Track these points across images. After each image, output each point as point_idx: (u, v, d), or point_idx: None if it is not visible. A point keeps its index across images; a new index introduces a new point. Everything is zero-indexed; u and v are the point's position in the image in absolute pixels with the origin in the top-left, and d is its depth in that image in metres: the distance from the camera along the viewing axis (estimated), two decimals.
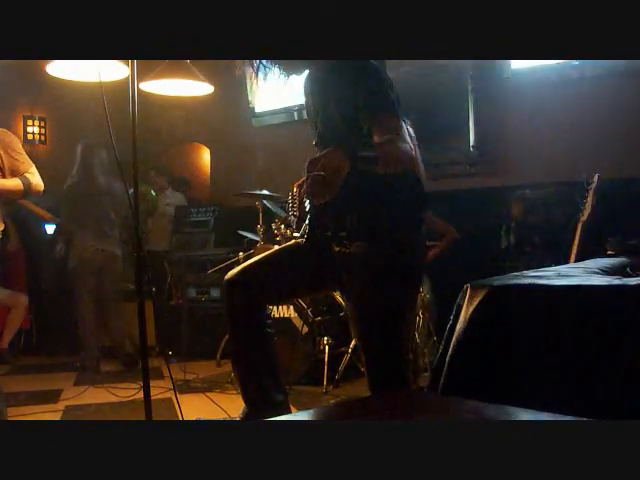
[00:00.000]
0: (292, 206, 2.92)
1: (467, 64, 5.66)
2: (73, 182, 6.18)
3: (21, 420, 4.25)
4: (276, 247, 3.10)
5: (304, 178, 2.31)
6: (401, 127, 2.48)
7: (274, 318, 5.00)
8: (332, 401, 4.66)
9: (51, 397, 5.12)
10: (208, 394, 4.97)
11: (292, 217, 2.92)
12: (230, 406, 4.36)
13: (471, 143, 5.77)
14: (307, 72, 2.86)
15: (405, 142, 2.44)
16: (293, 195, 2.91)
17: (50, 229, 7.10)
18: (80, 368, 6.16)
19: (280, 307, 5.12)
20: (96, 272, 6.26)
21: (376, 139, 2.45)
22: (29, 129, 7.80)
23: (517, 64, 5.57)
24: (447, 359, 2.34)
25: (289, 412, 2.93)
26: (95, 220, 6.16)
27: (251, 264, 2.86)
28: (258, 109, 7.50)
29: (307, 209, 2.80)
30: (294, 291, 3.16)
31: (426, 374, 4.77)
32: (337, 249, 2.68)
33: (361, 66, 2.57)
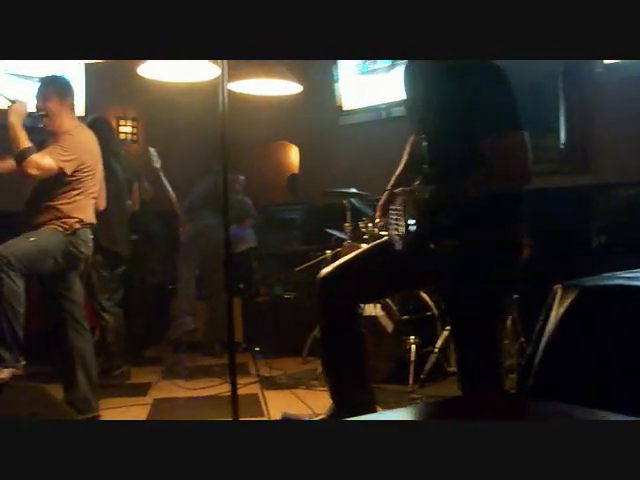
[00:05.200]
0: (397, 221, 2.79)
1: (558, 61, 5.54)
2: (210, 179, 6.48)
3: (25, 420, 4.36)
4: (368, 245, 3.05)
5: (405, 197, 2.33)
6: (525, 144, 2.46)
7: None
8: (418, 401, 4.63)
9: (141, 390, 5.24)
10: (294, 391, 5.01)
11: (396, 236, 2.78)
12: (316, 403, 4.37)
13: (561, 141, 5.65)
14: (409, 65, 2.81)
15: (528, 158, 2.42)
16: (397, 210, 2.81)
17: None
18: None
19: (367, 305, 5.11)
20: (206, 250, 6.45)
21: (494, 159, 2.43)
22: (122, 129, 7.98)
23: None
24: (536, 361, 2.31)
25: (375, 411, 2.93)
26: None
27: (345, 262, 2.84)
28: (346, 107, 7.50)
29: (409, 226, 2.72)
30: (387, 289, 3.14)
31: (512, 375, 4.71)
32: (433, 247, 2.65)
33: (486, 68, 2.52)
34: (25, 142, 3.79)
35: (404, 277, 2.85)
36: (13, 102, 3.89)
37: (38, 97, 4.10)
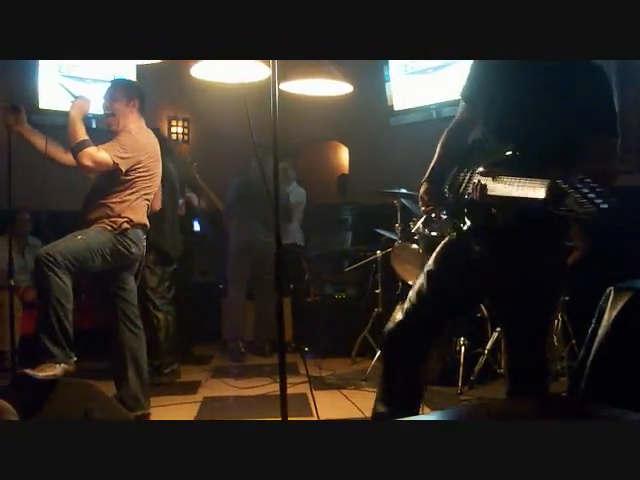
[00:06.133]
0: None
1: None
2: (247, 179, 6.48)
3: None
4: (421, 283, 2.79)
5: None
6: (617, 150, 2.47)
7: None
8: (466, 402, 4.61)
9: (190, 388, 5.29)
10: (342, 391, 5.01)
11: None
12: (364, 404, 4.36)
13: None
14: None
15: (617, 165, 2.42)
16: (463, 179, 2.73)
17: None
18: (223, 356, 6.49)
19: None
20: (252, 259, 6.50)
21: (598, 156, 2.40)
22: (173, 129, 8.10)
23: None
24: (588, 364, 2.28)
25: (422, 412, 2.90)
26: (261, 214, 6.31)
27: (407, 317, 2.73)
28: (397, 108, 7.48)
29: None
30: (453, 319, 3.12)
31: (563, 378, 4.66)
32: (478, 248, 2.61)
33: (593, 70, 2.49)
34: (83, 135, 3.87)
35: (469, 299, 2.83)
36: (76, 98, 3.98)
37: (106, 97, 4.18)
